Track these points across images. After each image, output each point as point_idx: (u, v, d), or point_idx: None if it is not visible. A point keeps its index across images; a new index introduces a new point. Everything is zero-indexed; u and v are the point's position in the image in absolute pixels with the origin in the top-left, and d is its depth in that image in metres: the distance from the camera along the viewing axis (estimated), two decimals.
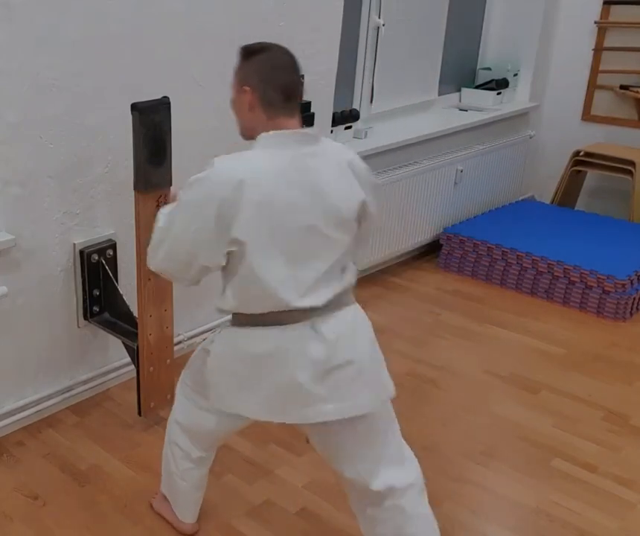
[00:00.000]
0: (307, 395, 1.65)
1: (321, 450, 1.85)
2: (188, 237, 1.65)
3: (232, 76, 1.74)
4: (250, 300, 1.66)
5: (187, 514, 2.12)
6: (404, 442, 1.83)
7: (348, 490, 1.86)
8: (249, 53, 1.71)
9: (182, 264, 1.71)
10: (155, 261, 1.76)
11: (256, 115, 1.68)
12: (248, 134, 1.72)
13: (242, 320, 1.71)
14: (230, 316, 1.77)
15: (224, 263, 1.66)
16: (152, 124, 2.25)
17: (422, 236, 4.13)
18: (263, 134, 1.66)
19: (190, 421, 1.97)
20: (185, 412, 1.98)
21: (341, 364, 1.65)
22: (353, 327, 1.71)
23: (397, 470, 1.77)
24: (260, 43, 1.73)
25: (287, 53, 1.72)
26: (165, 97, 2.29)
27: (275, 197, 1.59)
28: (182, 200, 1.67)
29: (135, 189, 2.32)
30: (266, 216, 1.59)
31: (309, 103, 3.18)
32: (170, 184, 2.36)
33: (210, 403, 1.83)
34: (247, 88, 1.67)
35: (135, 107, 2.22)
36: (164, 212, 1.76)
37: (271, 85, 1.66)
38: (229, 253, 1.63)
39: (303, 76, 1.76)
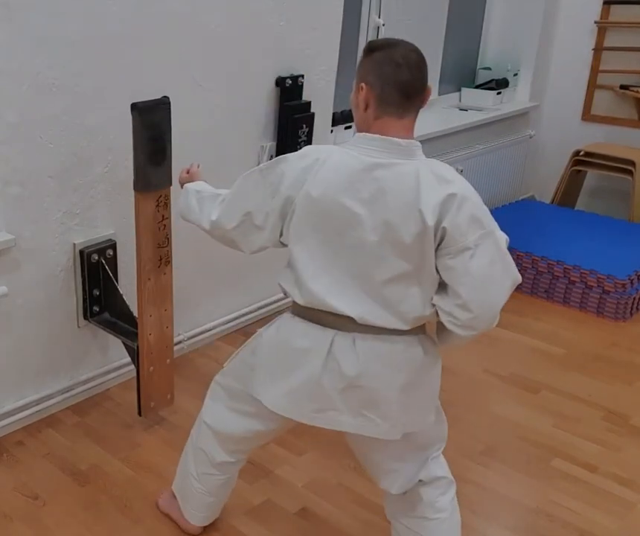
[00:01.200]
0: (327, 401, 1.65)
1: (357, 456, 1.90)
2: (249, 193, 1.70)
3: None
4: (296, 285, 1.66)
5: (195, 516, 2.09)
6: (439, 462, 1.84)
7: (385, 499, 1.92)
8: (371, 49, 1.62)
9: (237, 221, 1.73)
10: (217, 213, 1.79)
11: (367, 113, 1.61)
12: (364, 132, 1.63)
13: (294, 309, 1.71)
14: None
15: (276, 237, 1.68)
16: (152, 124, 2.25)
17: None
18: (358, 134, 1.63)
19: (219, 423, 1.94)
20: (215, 414, 1.95)
21: (367, 387, 1.63)
22: (394, 362, 1.63)
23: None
24: (385, 39, 1.66)
25: (413, 51, 1.59)
26: (165, 97, 2.29)
27: (328, 195, 1.57)
28: (267, 166, 1.69)
29: (134, 189, 2.32)
30: (314, 211, 1.59)
31: (309, 103, 3.18)
32: (170, 184, 2.36)
33: (248, 391, 1.82)
34: (364, 85, 1.59)
35: (135, 107, 2.22)
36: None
37: (388, 82, 1.57)
38: (284, 237, 1.66)
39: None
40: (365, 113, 1.61)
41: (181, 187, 2.01)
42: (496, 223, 1.59)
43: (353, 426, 1.68)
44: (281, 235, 1.68)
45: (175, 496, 2.14)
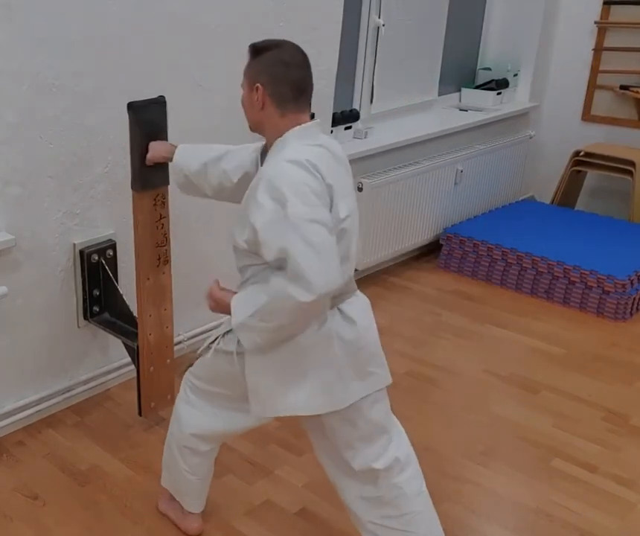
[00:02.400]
0: (347, 377, 1.71)
1: (320, 442, 1.89)
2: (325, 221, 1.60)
3: (243, 74, 1.74)
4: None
5: (196, 504, 2.13)
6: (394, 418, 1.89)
7: (346, 485, 1.87)
8: (259, 50, 1.70)
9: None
10: (326, 284, 1.55)
11: (267, 112, 1.69)
12: (258, 129, 1.76)
13: None
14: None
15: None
16: (147, 123, 2.24)
17: (422, 236, 4.13)
18: (291, 131, 1.68)
19: (202, 426, 1.97)
20: (194, 417, 1.98)
21: (364, 345, 1.73)
22: (367, 310, 1.79)
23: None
24: (269, 40, 1.72)
25: (297, 49, 1.71)
26: (161, 96, 2.29)
27: (327, 182, 1.64)
28: (294, 213, 1.54)
29: (132, 188, 2.31)
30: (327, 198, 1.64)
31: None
32: (167, 183, 2.34)
33: (250, 412, 1.81)
34: (258, 85, 1.68)
35: (130, 106, 2.22)
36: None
37: (282, 81, 1.67)
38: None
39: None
40: (261, 111, 1.70)
41: (228, 312, 1.77)
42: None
43: (365, 388, 1.74)
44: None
45: (172, 499, 2.16)
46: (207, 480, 2.12)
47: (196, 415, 1.98)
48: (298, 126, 1.69)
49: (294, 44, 1.72)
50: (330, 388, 1.71)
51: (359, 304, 1.77)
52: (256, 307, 1.63)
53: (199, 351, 2.01)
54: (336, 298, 1.69)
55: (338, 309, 1.71)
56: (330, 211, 1.62)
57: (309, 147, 1.66)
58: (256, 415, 1.83)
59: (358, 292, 1.80)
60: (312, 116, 1.75)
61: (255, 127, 1.76)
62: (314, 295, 1.52)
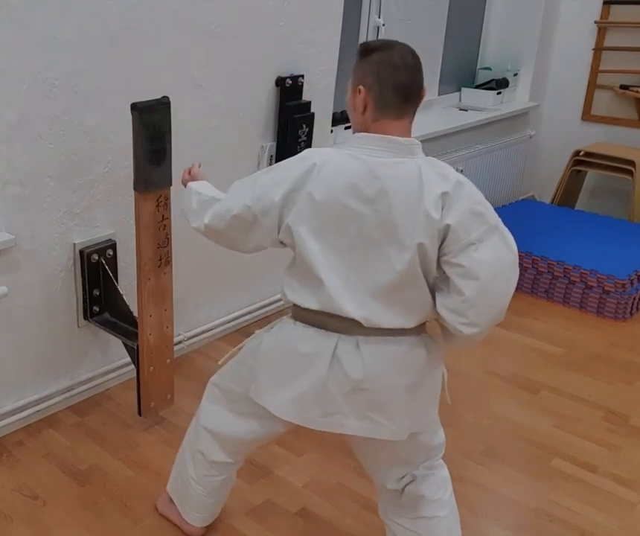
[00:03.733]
0: (332, 405, 1.65)
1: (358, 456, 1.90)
2: (255, 194, 1.66)
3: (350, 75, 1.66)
4: (303, 290, 1.64)
5: (194, 517, 2.08)
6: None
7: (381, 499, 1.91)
8: (367, 51, 1.60)
9: (237, 224, 1.72)
10: (209, 216, 1.77)
11: (366, 116, 1.60)
12: (362, 133, 1.64)
13: (297, 314, 1.69)
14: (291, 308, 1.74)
15: (274, 238, 1.67)
16: (151, 124, 2.25)
17: None
18: (357, 134, 1.63)
19: (219, 426, 1.93)
20: (214, 416, 1.95)
21: (367, 389, 1.63)
22: (399, 363, 1.63)
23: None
24: (380, 40, 1.67)
25: (410, 52, 1.59)
26: (165, 96, 2.29)
27: (330, 197, 1.56)
28: (265, 171, 1.70)
29: (134, 189, 2.32)
30: (318, 215, 1.58)
31: (309, 103, 3.18)
32: (170, 184, 2.36)
33: (248, 394, 1.81)
34: (361, 88, 1.59)
35: (134, 107, 2.22)
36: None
37: (387, 85, 1.56)
38: (282, 240, 1.65)
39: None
40: (362, 115, 1.61)
41: (185, 187, 2.00)
42: (499, 220, 1.59)
43: (359, 429, 1.67)
44: (279, 233, 1.66)
45: (172, 500, 2.14)
46: (214, 497, 2.05)
47: (214, 412, 1.95)
48: (361, 134, 1.60)
49: (406, 45, 1.61)
50: (307, 403, 1.67)
51: (385, 350, 1.61)
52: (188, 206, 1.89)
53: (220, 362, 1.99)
54: (356, 328, 1.59)
55: (357, 341, 1.61)
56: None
57: (349, 158, 1.57)
58: (252, 397, 1.80)
59: (402, 340, 1.62)
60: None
61: (358, 132, 1.64)
62: (197, 222, 1.83)
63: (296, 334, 1.69)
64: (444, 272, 1.58)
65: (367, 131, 1.61)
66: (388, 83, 1.56)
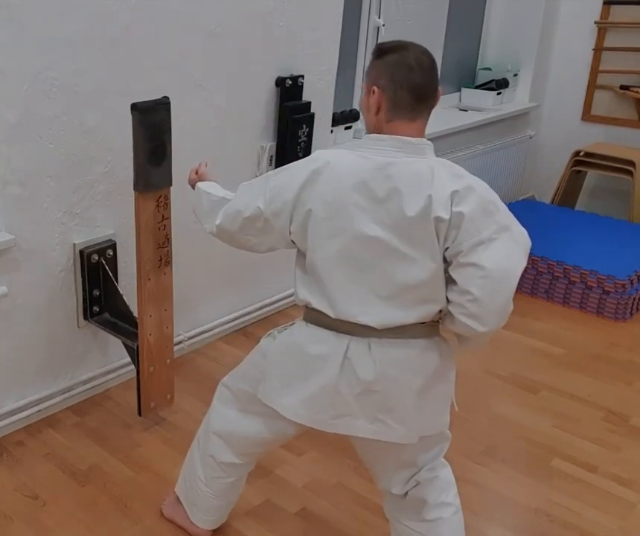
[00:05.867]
0: (343, 406, 1.64)
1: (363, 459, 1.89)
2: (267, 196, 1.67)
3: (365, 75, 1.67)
4: (313, 291, 1.64)
5: (204, 520, 2.08)
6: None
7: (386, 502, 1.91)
8: (382, 52, 1.60)
9: (247, 223, 1.72)
10: (221, 217, 1.78)
11: (380, 117, 1.60)
12: (375, 133, 1.63)
13: (309, 316, 1.69)
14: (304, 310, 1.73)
15: (287, 239, 1.67)
16: (152, 124, 2.25)
17: None
18: (369, 135, 1.63)
19: (228, 427, 1.93)
20: (223, 418, 1.94)
21: (378, 391, 1.62)
22: (411, 365, 1.62)
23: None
24: (396, 41, 1.62)
25: (425, 53, 1.59)
26: (165, 97, 2.29)
27: (341, 198, 1.56)
28: (277, 172, 1.70)
29: (135, 189, 2.32)
30: (329, 216, 1.57)
31: (309, 103, 3.18)
32: (170, 184, 2.36)
33: (257, 393, 1.80)
34: (375, 88, 1.58)
35: (135, 107, 2.22)
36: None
37: (401, 86, 1.56)
38: (294, 240, 1.65)
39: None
40: (376, 117, 1.61)
41: (192, 187, 1.99)
42: (514, 219, 1.59)
43: (369, 431, 1.66)
44: (290, 234, 1.66)
45: (178, 501, 2.13)
46: (223, 499, 2.04)
47: (224, 413, 1.94)
48: (374, 135, 1.60)
49: (421, 47, 1.60)
50: (319, 405, 1.66)
51: (397, 352, 1.60)
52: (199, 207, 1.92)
53: None
54: (368, 331, 1.59)
55: (369, 342, 1.60)
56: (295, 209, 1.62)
57: (359, 158, 1.58)
58: (261, 398, 1.78)
59: (414, 343, 1.62)
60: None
61: (371, 132, 1.64)
62: (209, 224, 1.85)
63: (307, 335, 1.68)
64: (453, 270, 1.56)
65: (380, 132, 1.60)
66: (402, 84, 1.56)
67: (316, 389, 1.65)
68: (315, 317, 1.66)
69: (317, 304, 1.64)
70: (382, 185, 1.54)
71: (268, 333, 1.84)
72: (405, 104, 1.57)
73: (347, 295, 1.59)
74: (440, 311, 1.62)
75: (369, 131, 1.65)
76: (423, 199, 1.51)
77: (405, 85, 1.56)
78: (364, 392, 1.62)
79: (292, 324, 1.77)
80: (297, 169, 1.65)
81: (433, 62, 1.60)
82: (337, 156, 1.61)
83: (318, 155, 1.63)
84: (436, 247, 1.53)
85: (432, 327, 1.65)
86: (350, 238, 1.57)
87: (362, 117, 1.63)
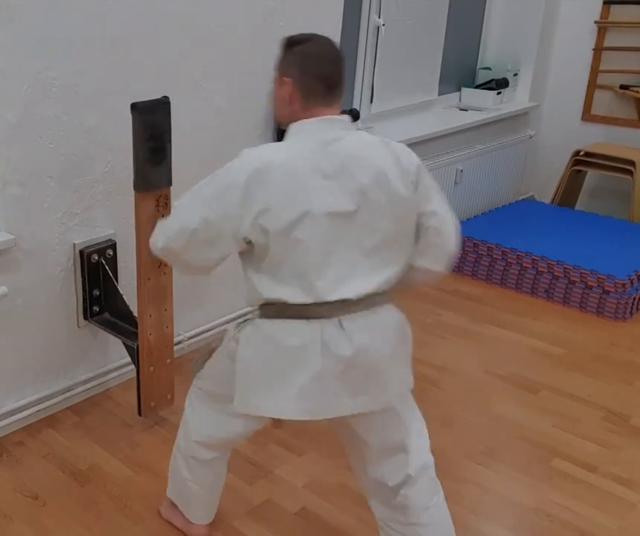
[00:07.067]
0: (330, 390, 1.65)
1: (348, 448, 1.89)
2: (211, 214, 1.63)
3: (274, 68, 1.70)
4: (283, 285, 1.62)
5: (201, 515, 2.10)
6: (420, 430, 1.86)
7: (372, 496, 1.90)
8: (290, 44, 1.66)
9: (199, 243, 1.67)
10: (162, 239, 1.73)
11: (294, 107, 1.66)
12: (285, 124, 1.70)
13: (271, 312, 1.67)
14: (257, 310, 1.73)
15: (238, 240, 1.64)
16: (151, 124, 2.24)
17: None
18: (292, 125, 1.66)
19: (207, 431, 1.94)
20: (199, 423, 1.95)
21: (359, 365, 1.64)
22: (381, 333, 1.68)
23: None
24: (302, 34, 1.69)
25: (330, 44, 1.67)
26: (165, 97, 2.29)
27: (298, 181, 1.57)
28: (207, 182, 1.66)
29: (134, 189, 2.32)
30: (291, 199, 1.56)
31: None
32: (170, 184, 2.36)
33: (233, 408, 1.77)
34: (287, 79, 1.64)
35: (134, 107, 2.22)
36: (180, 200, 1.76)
37: (311, 75, 1.63)
38: (251, 239, 1.62)
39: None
40: (290, 106, 1.66)
41: None
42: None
43: (354, 406, 1.68)
44: (243, 235, 1.62)
45: (174, 504, 2.14)
46: (212, 491, 2.07)
47: (199, 421, 1.95)
48: (299, 120, 1.64)
49: (326, 38, 1.69)
50: (309, 396, 1.65)
51: (367, 322, 1.64)
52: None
53: (192, 362, 1.99)
54: (337, 309, 1.61)
55: (339, 321, 1.62)
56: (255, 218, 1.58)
57: (295, 146, 1.61)
58: (237, 410, 1.77)
59: (379, 309, 1.67)
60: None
61: (282, 123, 1.72)
62: (153, 247, 1.78)
63: (280, 330, 1.66)
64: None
65: (297, 119, 1.65)
66: (313, 73, 1.63)
67: (305, 381, 1.64)
68: (281, 310, 1.64)
69: (291, 295, 1.61)
70: (331, 161, 1.59)
71: (226, 333, 1.83)
72: (317, 92, 1.64)
73: (333, 268, 1.60)
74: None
75: (282, 121, 1.72)
76: (381, 169, 1.61)
77: (317, 74, 1.63)
78: (346, 369, 1.64)
79: (248, 323, 1.74)
80: (233, 171, 1.61)
81: (340, 52, 1.68)
82: (277, 148, 1.64)
83: (257, 154, 1.62)
84: (401, 212, 1.64)
85: (389, 296, 1.71)
86: (314, 220, 1.57)
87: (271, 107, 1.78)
